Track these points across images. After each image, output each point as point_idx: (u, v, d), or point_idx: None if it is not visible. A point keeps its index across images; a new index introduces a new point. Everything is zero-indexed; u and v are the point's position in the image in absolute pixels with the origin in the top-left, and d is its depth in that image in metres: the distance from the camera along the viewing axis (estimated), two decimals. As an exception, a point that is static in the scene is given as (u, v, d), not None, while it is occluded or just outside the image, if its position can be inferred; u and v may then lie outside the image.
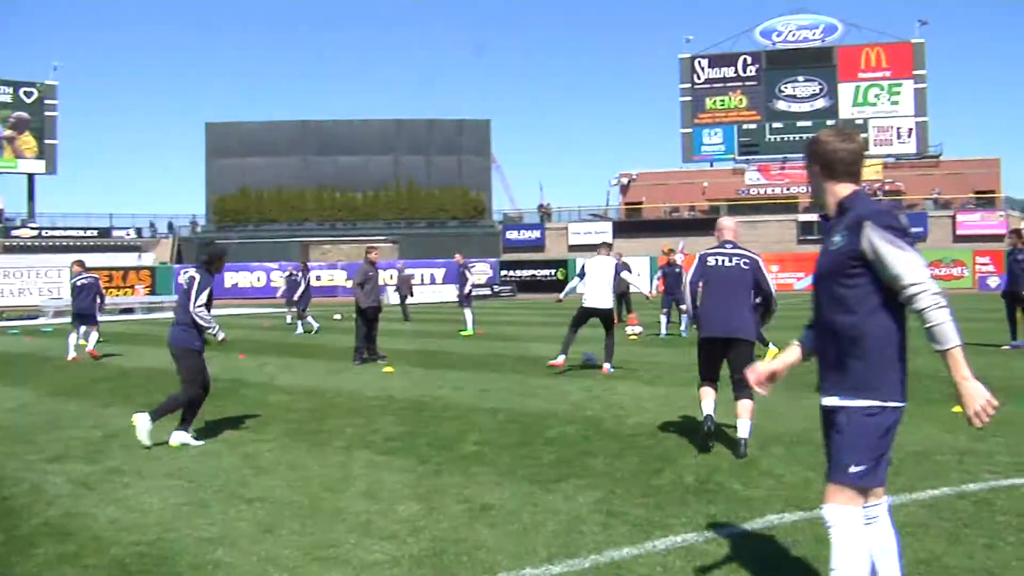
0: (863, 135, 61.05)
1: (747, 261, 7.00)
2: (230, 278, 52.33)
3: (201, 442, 7.71)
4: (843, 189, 3.31)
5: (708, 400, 7.04)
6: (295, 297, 22.98)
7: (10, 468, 6.86)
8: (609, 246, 13.18)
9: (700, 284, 7.18)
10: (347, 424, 8.57)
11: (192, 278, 7.94)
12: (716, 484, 5.88)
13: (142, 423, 7.49)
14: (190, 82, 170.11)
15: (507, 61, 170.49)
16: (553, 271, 54.32)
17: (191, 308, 7.75)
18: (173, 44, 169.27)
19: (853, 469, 3.09)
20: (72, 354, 16.23)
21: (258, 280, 53.40)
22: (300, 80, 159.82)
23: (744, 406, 6.79)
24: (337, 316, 29.74)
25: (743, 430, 6.76)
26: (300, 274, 23.31)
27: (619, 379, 11.57)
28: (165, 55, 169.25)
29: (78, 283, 16.55)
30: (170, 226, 61.78)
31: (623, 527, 4.97)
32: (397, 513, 5.35)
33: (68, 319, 17.85)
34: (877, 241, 3.05)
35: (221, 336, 8.11)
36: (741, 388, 6.78)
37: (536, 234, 59.84)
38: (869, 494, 3.22)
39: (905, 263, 3.01)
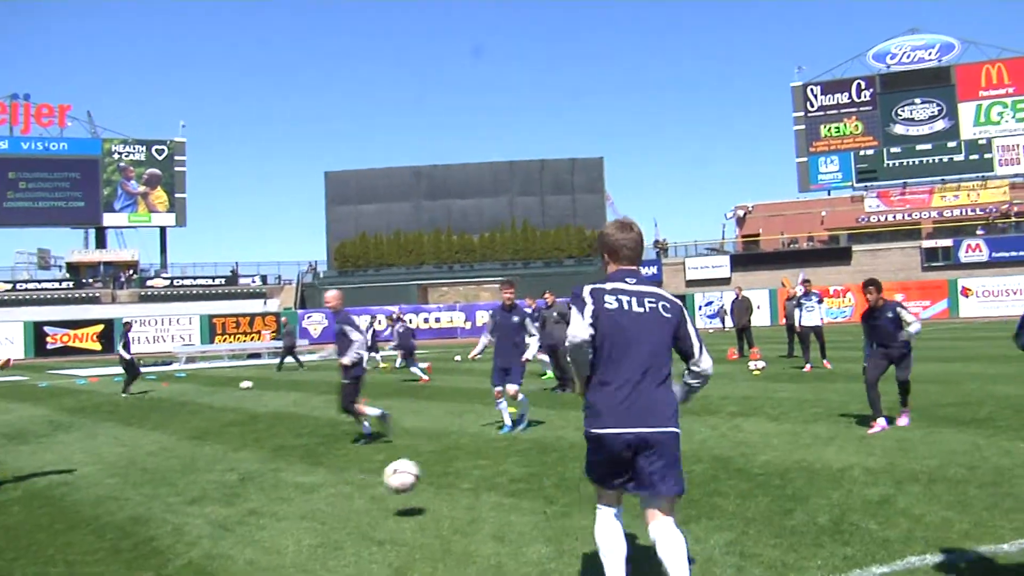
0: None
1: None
2: (351, 322, 53.44)
3: None
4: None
5: None
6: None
7: (155, 509, 7.15)
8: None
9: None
10: (473, 466, 8.60)
11: None
12: (851, 524, 5.67)
13: None
14: (309, 132, 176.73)
15: (617, 97, 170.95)
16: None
17: None
18: (291, 97, 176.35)
19: None
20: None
21: (379, 324, 54.18)
22: (411, 126, 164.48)
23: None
24: (457, 358, 30.10)
25: None
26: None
27: (745, 416, 11.33)
28: (283, 107, 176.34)
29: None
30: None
31: (757, 569, 4.84)
32: (527, 556, 5.33)
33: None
34: None
35: None
36: None
37: (653, 270, 58.95)
38: None
39: None
